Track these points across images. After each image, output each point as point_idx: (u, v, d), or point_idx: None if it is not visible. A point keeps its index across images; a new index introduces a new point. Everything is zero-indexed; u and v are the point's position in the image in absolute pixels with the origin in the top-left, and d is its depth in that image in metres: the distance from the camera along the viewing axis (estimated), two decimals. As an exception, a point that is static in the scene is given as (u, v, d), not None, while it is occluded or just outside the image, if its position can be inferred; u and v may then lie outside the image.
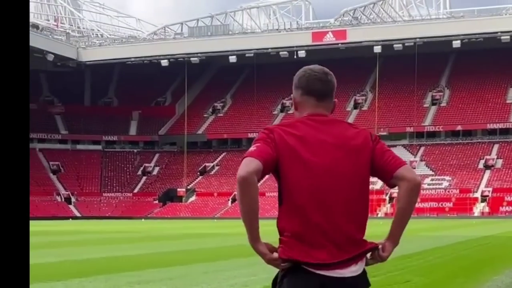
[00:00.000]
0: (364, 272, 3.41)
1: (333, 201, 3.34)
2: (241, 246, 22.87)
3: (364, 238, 3.47)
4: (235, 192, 3.55)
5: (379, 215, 75.85)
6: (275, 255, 3.33)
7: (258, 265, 14.00)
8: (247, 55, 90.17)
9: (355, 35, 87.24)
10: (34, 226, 48.83)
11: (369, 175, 3.46)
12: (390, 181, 3.45)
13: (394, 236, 3.52)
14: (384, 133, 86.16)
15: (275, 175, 3.41)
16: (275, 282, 3.40)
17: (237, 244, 24.19)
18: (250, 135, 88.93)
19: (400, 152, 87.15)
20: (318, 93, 3.51)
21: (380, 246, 3.48)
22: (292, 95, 3.62)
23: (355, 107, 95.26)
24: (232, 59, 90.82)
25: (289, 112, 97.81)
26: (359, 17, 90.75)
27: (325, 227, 3.31)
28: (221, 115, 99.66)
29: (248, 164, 3.24)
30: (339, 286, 3.28)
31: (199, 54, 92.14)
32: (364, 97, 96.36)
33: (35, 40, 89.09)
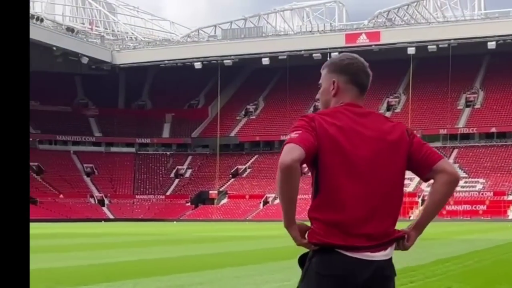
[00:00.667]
0: (391, 259, 3.39)
1: (373, 194, 3.29)
2: (274, 249, 22.70)
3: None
4: (277, 178, 3.20)
5: (411, 218, 75.28)
6: (305, 240, 3.30)
7: (292, 269, 13.77)
8: (280, 57, 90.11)
9: (389, 37, 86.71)
10: (67, 228, 49.26)
11: (405, 169, 3.42)
12: (427, 175, 3.42)
13: (421, 226, 3.49)
14: (418, 135, 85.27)
15: (311, 165, 3.32)
16: (302, 260, 3.38)
17: (269, 248, 23.99)
18: (283, 138, 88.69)
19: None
20: (363, 86, 3.50)
21: (406, 236, 3.45)
22: (327, 79, 3.53)
23: (388, 109, 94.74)
24: (265, 61, 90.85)
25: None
26: (393, 19, 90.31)
27: (364, 220, 3.27)
28: (254, 117, 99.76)
29: (292, 151, 3.15)
30: (367, 268, 3.26)
31: (232, 57, 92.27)
32: (397, 99, 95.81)
33: (70, 43, 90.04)
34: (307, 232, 3.30)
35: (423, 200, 77.83)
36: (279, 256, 18.90)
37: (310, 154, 3.20)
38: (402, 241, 3.43)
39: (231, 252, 22.17)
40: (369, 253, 3.26)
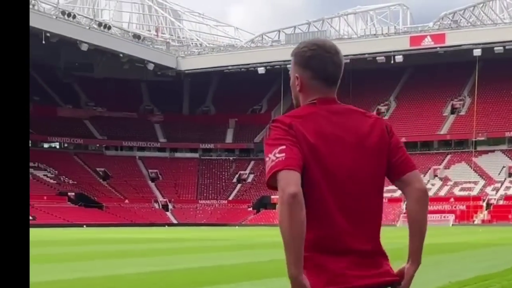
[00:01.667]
0: None
1: (357, 207, 2.97)
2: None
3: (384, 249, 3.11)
4: (281, 215, 2.77)
5: (475, 222, 73.98)
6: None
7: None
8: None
9: (454, 39, 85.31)
10: (131, 233, 49.77)
11: (385, 174, 3.11)
12: (395, 182, 3.12)
13: (416, 256, 3.11)
14: (483, 138, 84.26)
15: None
16: None
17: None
18: None
19: (499, 157, 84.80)
20: (332, 79, 3.14)
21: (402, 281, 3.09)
22: (293, 72, 3.13)
23: (452, 112, 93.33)
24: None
25: (383, 118, 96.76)
26: (458, 20, 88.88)
27: (351, 234, 2.95)
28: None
29: (292, 177, 2.78)
30: None
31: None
32: (461, 102, 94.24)
33: (137, 50, 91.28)
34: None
35: (488, 204, 76.49)
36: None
37: (302, 165, 2.88)
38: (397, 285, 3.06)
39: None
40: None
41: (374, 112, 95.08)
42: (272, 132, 2.93)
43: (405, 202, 3.13)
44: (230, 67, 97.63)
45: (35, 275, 15.17)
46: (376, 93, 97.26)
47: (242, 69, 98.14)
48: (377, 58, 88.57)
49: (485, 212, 76.42)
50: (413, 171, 3.10)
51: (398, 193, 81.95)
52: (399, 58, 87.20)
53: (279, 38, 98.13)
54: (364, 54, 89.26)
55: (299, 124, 2.92)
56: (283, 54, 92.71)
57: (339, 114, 3.05)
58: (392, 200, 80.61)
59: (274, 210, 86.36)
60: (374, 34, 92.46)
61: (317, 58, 3.07)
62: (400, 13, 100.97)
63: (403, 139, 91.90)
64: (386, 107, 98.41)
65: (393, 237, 19.31)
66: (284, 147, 2.85)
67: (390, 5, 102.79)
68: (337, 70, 3.14)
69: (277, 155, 2.84)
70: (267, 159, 2.87)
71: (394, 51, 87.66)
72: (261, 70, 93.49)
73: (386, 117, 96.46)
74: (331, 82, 3.13)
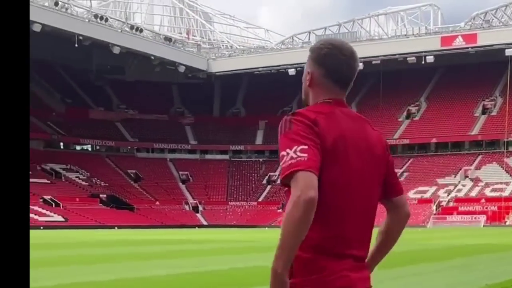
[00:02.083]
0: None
1: (364, 212, 3.00)
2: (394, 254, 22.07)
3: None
4: (292, 215, 2.69)
5: (507, 223, 73.29)
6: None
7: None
8: (373, 62, 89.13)
9: (486, 39, 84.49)
10: (161, 234, 49.95)
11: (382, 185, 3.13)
12: (384, 201, 3.15)
13: (374, 265, 3.27)
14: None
15: None
16: None
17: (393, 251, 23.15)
18: None
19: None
20: (344, 81, 3.07)
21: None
22: (307, 66, 3.12)
23: (483, 112, 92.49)
24: (359, 66, 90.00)
25: (414, 118, 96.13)
26: (490, 20, 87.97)
27: (354, 239, 2.96)
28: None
29: (313, 182, 2.72)
30: None
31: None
32: (493, 102, 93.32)
33: (168, 53, 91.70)
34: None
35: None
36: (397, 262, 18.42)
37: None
38: None
39: None
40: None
41: (405, 113, 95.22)
42: (294, 126, 2.83)
43: (387, 220, 3.19)
44: (260, 69, 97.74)
45: (67, 277, 15.34)
46: (406, 93, 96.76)
47: (272, 71, 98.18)
48: (408, 58, 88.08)
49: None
50: (403, 194, 3.19)
51: (428, 194, 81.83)
52: (430, 59, 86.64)
53: (309, 39, 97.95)
54: (395, 54, 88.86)
55: (324, 120, 2.87)
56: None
57: (353, 119, 3.01)
58: (422, 201, 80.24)
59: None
60: (405, 35, 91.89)
61: (332, 57, 3.02)
62: (431, 14, 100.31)
63: (434, 140, 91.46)
64: (416, 107, 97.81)
65: (424, 238, 19.16)
66: (306, 147, 2.78)
67: (421, 6, 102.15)
68: (350, 73, 3.06)
69: (299, 153, 2.76)
70: (284, 153, 2.77)
71: (425, 52, 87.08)
72: (291, 72, 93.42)
73: (416, 118, 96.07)
74: (343, 84, 3.06)
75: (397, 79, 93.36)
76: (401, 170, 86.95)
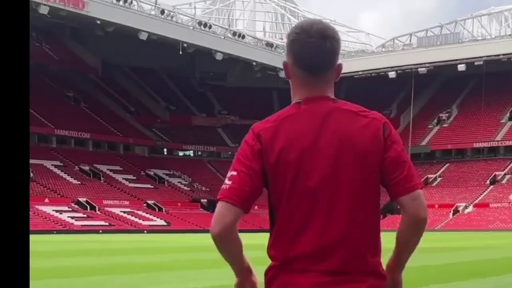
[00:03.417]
0: None
1: (332, 221, 2.65)
2: (474, 263, 21.57)
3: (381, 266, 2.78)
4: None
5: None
6: None
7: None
8: (476, 63, 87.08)
9: None
10: (259, 239, 50.06)
11: (379, 184, 2.73)
12: (393, 201, 2.76)
13: (392, 272, 2.88)
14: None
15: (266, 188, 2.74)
16: None
17: (471, 261, 22.75)
18: (476, 145, 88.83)
19: None
20: (315, 67, 2.72)
21: None
22: (284, 59, 2.81)
23: None
24: (461, 67, 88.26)
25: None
26: None
27: (319, 256, 2.65)
28: (446, 125, 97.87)
29: (223, 217, 2.64)
30: None
31: (427, 64, 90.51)
32: None
33: (269, 58, 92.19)
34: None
35: None
36: (481, 271, 18.09)
37: (253, 196, 2.67)
38: None
39: (432, 265, 20.28)
40: None
41: (507, 115, 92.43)
42: (240, 146, 2.73)
43: (399, 225, 2.83)
44: (360, 73, 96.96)
45: (165, 282, 15.60)
46: (510, 95, 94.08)
47: (373, 74, 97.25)
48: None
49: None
50: (409, 193, 2.70)
51: None
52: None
53: (410, 41, 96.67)
54: (499, 55, 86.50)
55: (270, 132, 2.67)
56: (415, 57, 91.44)
57: (322, 115, 2.69)
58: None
59: (397, 215, 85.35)
60: (510, 35, 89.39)
61: (299, 42, 2.70)
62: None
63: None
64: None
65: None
66: (235, 173, 2.66)
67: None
68: (320, 56, 2.70)
69: (226, 181, 2.68)
70: None
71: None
72: (391, 74, 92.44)
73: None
74: (313, 71, 2.71)
75: (501, 79, 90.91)
76: (502, 172, 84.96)
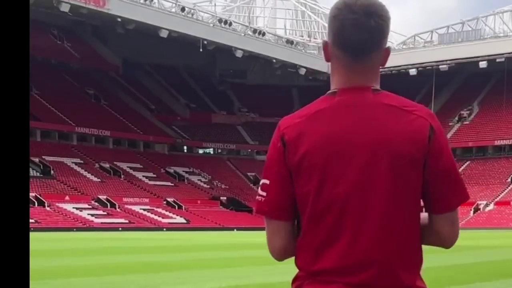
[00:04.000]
0: None
1: (365, 235, 2.32)
2: (497, 262, 21.22)
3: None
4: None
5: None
6: None
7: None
8: (497, 60, 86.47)
9: None
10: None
11: (420, 194, 2.36)
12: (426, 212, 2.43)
13: None
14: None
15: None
16: None
17: (493, 260, 22.40)
18: (497, 143, 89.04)
19: None
20: (354, 48, 2.36)
21: None
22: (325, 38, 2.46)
23: None
24: (482, 64, 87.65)
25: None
26: None
27: (353, 265, 2.33)
28: (467, 122, 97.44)
29: (271, 240, 2.47)
30: None
31: (448, 61, 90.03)
32: None
33: (289, 55, 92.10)
34: None
35: None
36: (506, 271, 17.85)
37: (292, 205, 2.40)
38: None
39: (455, 265, 19.94)
40: None
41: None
42: (269, 147, 2.49)
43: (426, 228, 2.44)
44: (380, 70, 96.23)
45: (183, 283, 15.54)
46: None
47: (393, 71, 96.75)
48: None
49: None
50: (446, 212, 2.41)
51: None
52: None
53: (431, 38, 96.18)
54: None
55: (297, 128, 2.38)
56: (436, 54, 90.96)
57: (358, 110, 2.35)
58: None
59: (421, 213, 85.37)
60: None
61: (339, 19, 2.36)
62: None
63: None
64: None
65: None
66: (267, 182, 2.42)
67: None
68: (362, 36, 2.33)
69: (260, 191, 2.44)
70: None
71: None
72: (412, 72, 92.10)
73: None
74: (354, 52, 2.36)
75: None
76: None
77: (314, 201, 2.32)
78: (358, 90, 2.38)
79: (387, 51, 2.43)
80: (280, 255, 2.46)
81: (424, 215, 2.40)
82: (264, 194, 2.39)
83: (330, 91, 2.46)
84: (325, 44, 2.43)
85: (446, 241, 2.43)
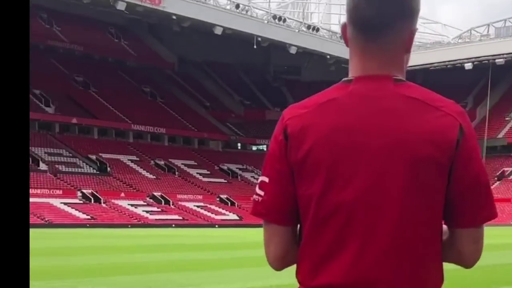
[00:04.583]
0: None
1: (374, 248, 1.97)
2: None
3: None
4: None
5: None
6: None
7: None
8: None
9: None
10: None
11: (442, 205, 2.01)
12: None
13: None
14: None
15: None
16: None
17: None
18: None
19: None
20: (369, 27, 2.02)
21: None
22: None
23: None
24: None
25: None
26: None
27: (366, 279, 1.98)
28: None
29: (268, 246, 2.15)
30: None
31: (505, 55, 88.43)
32: None
33: (344, 51, 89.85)
34: None
35: None
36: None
37: (294, 208, 2.08)
38: None
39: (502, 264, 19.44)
40: None
41: None
42: (271, 140, 2.13)
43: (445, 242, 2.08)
44: (435, 64, 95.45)
45: (228, 281, 15.68)
46: None
47: (448, 66, 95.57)
48: None
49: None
50: (471, 228, 2.05)
51: None
52: None
53: (488, 32, 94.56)
54: None
55: (303, 119, 2.04)
56: (492, 48, 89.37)
57: (375, 102, 2.01)
58: None
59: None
60: None
61: None
62: None
63: None
64: None
65: None
66: (266, 180, 2.09)
67: None
68: (377, 13, 1.99)
69: (258, 189, 2.11)
70: None
71: None
72: (467, 66, 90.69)
73: None
74: (369, 32, 2.02)
75: None
76: None
77: (318, 204, 2.00)
78: (377, 78, 2.03)
79: (410, 33, 2.05)
80: (277, 265, 2.15)
81: (443, 228, 2.06)
82: (262, 193, 2.08)
83: (345, 79, 2.10)
84: (343, 26, 2.10)
85: (468, 260, 2.09)
